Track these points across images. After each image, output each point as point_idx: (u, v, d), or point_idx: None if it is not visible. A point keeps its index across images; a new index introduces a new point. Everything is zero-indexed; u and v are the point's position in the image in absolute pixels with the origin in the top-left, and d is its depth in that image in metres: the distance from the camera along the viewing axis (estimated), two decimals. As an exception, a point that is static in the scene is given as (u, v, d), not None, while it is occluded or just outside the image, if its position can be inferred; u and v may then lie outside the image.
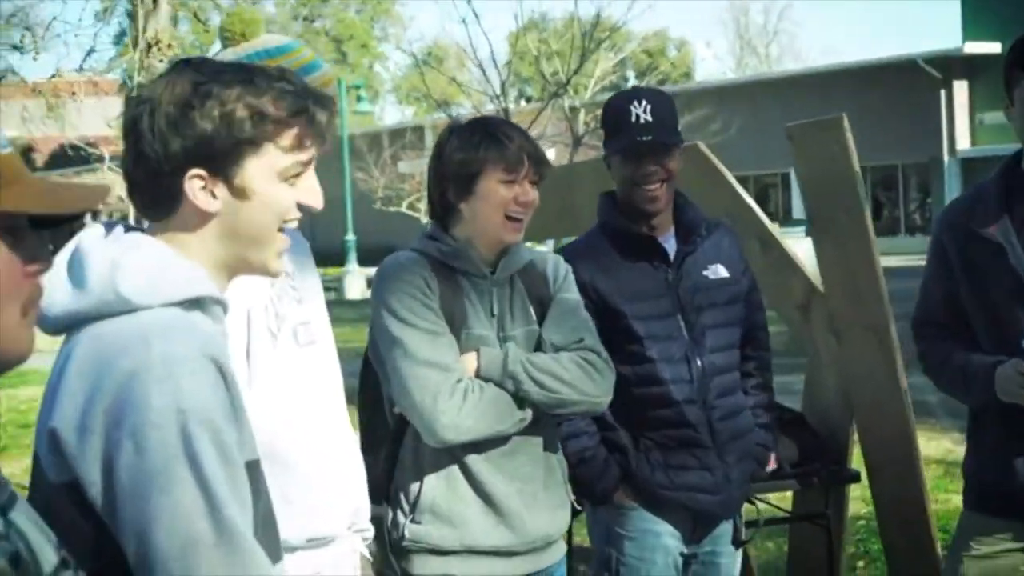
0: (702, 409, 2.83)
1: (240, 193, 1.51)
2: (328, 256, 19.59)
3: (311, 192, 1.57)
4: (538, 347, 2.52)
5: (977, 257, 2.72)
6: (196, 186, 1.48)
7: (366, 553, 2.42)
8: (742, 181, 4.28)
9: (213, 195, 1.50)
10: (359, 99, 28.86)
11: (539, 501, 2.47)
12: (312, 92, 1.58)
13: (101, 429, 1.37)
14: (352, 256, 25.29)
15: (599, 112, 18.86)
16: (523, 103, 25.31)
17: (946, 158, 28.03)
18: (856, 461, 4.20)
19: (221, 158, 1.49)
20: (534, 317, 2.53)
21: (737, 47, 52.08)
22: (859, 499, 4.88)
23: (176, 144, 1.47)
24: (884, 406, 3.73)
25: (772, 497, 4.48)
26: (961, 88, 27.71)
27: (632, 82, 36.03)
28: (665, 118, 2.85)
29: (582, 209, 4.14)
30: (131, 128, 1.52)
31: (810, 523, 4.30)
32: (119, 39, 24.71)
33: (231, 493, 1.39)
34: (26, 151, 7.12)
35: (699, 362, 2.84)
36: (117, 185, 2.06)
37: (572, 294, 2.60)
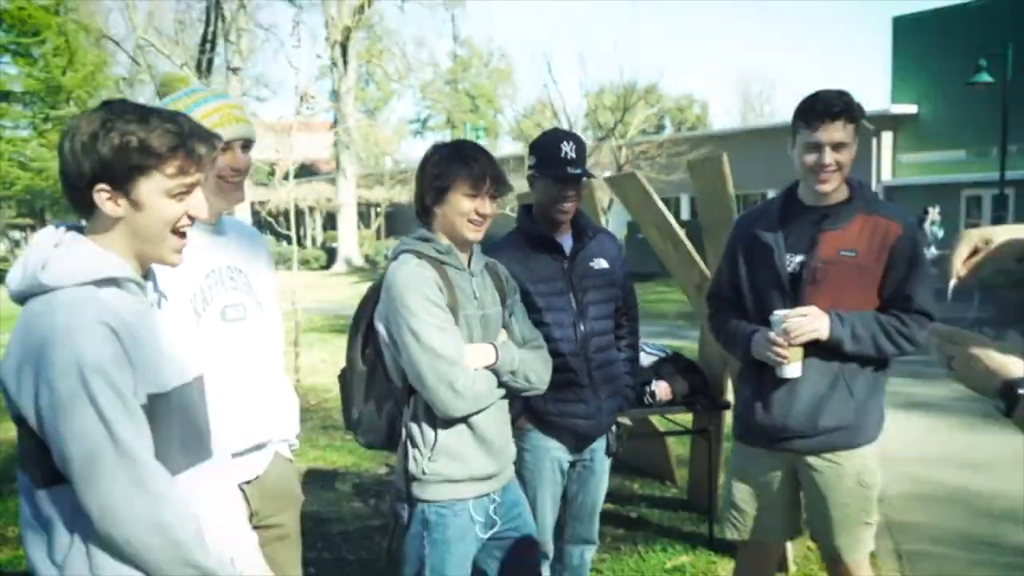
0: (583, 360, 3.17)
1: (136, 205, 1.69)
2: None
3: (197, 206, 1.74)
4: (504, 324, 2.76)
5: (755, 253, 2.96)
6: (103, 197, 1.67)
7: (287, 453, 2.71)
8: (737, 197, 4.53)
9: (116, 204, 1.69)
10: (478, 137, 34.72)
11: (506, 436, 2.74)
12: (196, 131, 1.73)
13: (29, 378, 1.59)
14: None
15: (637, 148, 27.09)
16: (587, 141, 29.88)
17: (875, 185, 31.31)
18: (730, 394, 4.69)
19: (119, 178, 1.66)
20: (499, 300, 2.77)
21: (742, 105, 59.98)
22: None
23: (85, 165, 1.66)
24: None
25: (679, 419, 5.60)
26: (887, 136, 31.53)
27: (668, 129, 42.34)
28: (582, 157, 3.12)
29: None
30: (59, 151, 1.70)
31: (700, 435, 5.08)
32: (333, 95, 30.59)
33: (125, 419, 1.60)
34: (272, 170, 9.97)
35: (582, 327, 3.15)
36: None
37: (519, 299, 2.89)
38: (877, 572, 4.46)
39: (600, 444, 3.34)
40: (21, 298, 1.71)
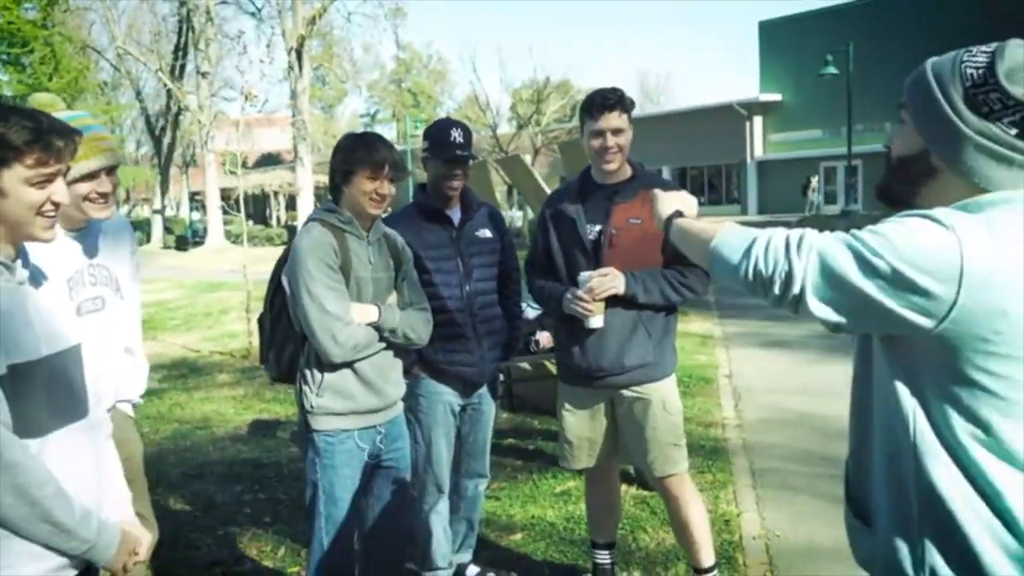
0: (468, 315, 3.13)
1: (1, 193, 1.62)
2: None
3: (59, 192, 1.69)
4: (396, 287, 2.75)
5: (562, 225, 3.03)
6: None
7: (129, 411, 2.71)
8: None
9: None
10: (417, 127, 33.06)
11: (391, 378, 2.71)
12: (54, 127, 1.66)
13: None
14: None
15: (551, 135, 27.27)
16: (507, 130, 30.59)
17: (748, 160, 33.00)
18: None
19: None
20: (392, 266, 2.75)
21: (641, 97, 60.68)
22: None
23: None
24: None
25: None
26: (758, 120, 32.79)
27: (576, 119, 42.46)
28: (469, 142, 3.11)
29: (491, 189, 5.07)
30: None
31: None
32: (292, 94, 29.92)
33: None
34: (244, 160, 9.61)
35: (467, 287, 3.12)
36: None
37: (412, 267, 2.86)
38: (706, 486, 4.46)
39: (486, 388, 3.29)
40: None
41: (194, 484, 4.88)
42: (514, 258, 3.39)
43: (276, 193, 39.80)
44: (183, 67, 34.82)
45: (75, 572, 1.72)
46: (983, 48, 1.30)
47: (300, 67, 30.55)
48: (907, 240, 1.22)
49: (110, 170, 2.45)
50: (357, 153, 2.59)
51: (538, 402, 6.11)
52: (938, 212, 1.26)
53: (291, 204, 38.64)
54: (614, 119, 2.87)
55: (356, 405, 2.63)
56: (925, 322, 1.22)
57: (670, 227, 1.71)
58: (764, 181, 32.90)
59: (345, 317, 2.54)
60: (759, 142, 32.90)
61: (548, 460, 5.01)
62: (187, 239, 35.06)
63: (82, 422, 1.76)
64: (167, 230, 38.24)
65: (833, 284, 1.27)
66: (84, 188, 2.37)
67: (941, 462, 1.28)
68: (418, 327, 2.76)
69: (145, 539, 1.90)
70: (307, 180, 32.11)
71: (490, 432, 3.38)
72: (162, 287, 18.04)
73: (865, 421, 1.44)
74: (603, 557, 3.36)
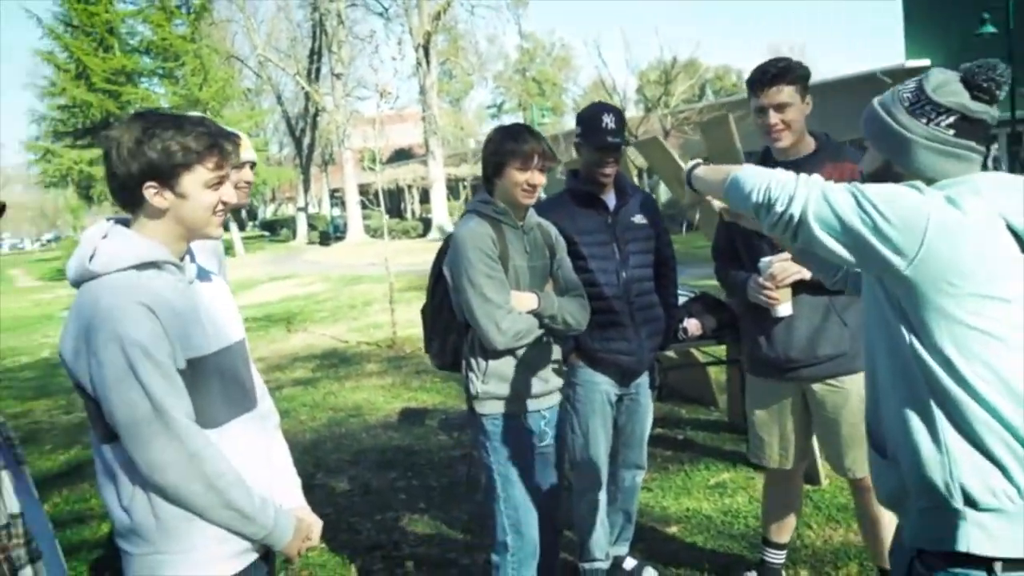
0: (625, 303, 3.08)
1: (181, 196, 1.70)
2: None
3: (228, 193, 1.77)
4: (552, 275, 2.78)
5: None
6: (151, 192, 1.68)
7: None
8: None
9: (163, 197, 1.69)
10: (544, 115, 34.34)
11: (551, 364, 2.74)
12: (222, 132, 1.75)
13: (83, 352, 1.61)
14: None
15: (681, 116, 26.63)
16: (635, 113, 29.94)
17: None
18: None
19: (165, 175, 1.68)
20: (547, 255, 2.78)
21: None
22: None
23: (134, 167, 1.66)
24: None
25: (717, 351, 5.42)
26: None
27: (709, 97, 40.82)
28: (621, 127, 3.03)
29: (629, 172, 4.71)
30: (106, 156, 1.69)
31: (732, 365, 5.02)
32: (421, 90, 31.00)
33: (163, 387, 1.60)
34: (373, 156, 9.71)
35: (624, 274, 3.06)
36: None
37: (566, 255, 2.86)
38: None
39: (644, 379, 3.23)
40: (77, 283, 1.70)
41: (351, 470, 5.05)
42: (669, 245, 3.32)
43: (410, 187, 40.84)
44: (318, 70, 36.37)
45: (256, 555, 1.80)
46: (911, 80, 1.70)
47: (428, 63, 31.35)
48: (892, 196, 1.54)
49: (252, 164, 2.64)
50: (506, 145, 2.61)
51: (686, 391, 5.96)
52: (919, 183, 1.59)
53: (425, 197, 39.50)
54: (776, 94, 2.71)
55: (521, 390, 2.65)
56: (898, 261, 1.51)
57: (691, 179, 1.99)
58: (913, 155, 30.59)
59: (506, 305, 2.57)
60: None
61: (699, 450, 4.88)
62: (329, 234, 36.57)
63: (252, 413, 1.83)
64: (311, 226, 40.07)
65: (832, 215, 1.56)
66: (234, 176, 2.49)
67: (952, 392, 1.52)
68: (576, 313, 2.76)
69: (317, 525, 1.97)
70: (439, 173, 32.82)
71: (649, 422, 3.31)
72: (309, 280, 18.93)
73: (874, 364, 1.69)
74: (776, 556, 3.21)
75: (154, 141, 1.65)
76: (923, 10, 31.41)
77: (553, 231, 2.85)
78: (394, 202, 41.73)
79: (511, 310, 2.57)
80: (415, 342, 9.03)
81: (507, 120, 41.14)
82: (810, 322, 2.79)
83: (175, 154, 1.67)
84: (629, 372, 3.15)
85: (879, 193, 1.54)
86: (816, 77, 2.71)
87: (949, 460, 1.53)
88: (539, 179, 2.62)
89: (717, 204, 2.10)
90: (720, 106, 28.12)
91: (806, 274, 2.69)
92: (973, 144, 1.63)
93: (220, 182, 1.74)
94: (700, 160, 2.05)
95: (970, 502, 1.53)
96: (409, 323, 9.81)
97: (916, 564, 1.62)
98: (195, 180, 1.70)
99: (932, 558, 1.58)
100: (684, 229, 22.01)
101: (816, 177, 1.62)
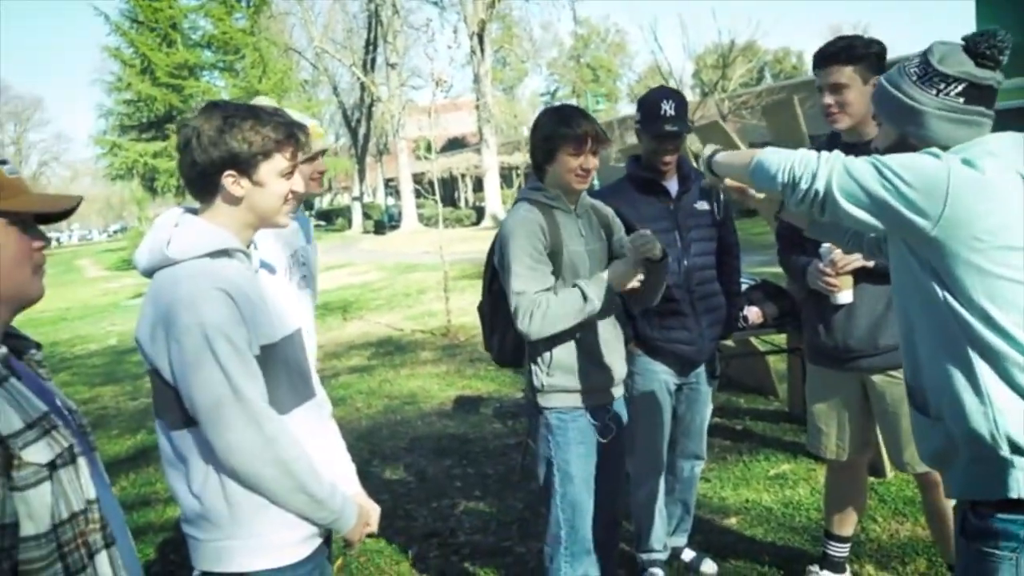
0: (686, 291, 3.05)
1: (258, 184, 1.74)
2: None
3: (298, 183, 1.81)
4: (611, 257, 2.65)
5: None
6: (230, 180, 1.72)
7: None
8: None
9: (240, 185, 1.73)
10: (599, 103, 33.84)
11: (614, 357, 2.64)
12: (294, 123, 1.78)
13: (161, 337, 1.64)
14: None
15: (739, 100, 26.05)
16: (692, 98, 29.95)
17: None
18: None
19: (245, 163, 1.71)
20: (604, 236, 2.69)
21: None
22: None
23: (215, 155, 1.70)
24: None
25: (777, 339, 5.38)
26: None
27: (768, 80, 40.38)
28: (682, 113, 2.98)
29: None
30: (185, 145, 1.72)
31: (793, 353, 5.00)
32: (475, 78, 31.18)
33: (242, 371, 1.62)
34: (428, 145, 9.73)
35: (686, 262, 3.03)
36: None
37: (624, 235, 2.72)
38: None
39: (704, 368, 3.17)
40: (150, 272, 1.72)
41: (407, 457, 5.10)
42: (733, 232, 3.26)
43: (463, 176, 41.00)
44: (374, 60, 36.65)
45: (320, 540, 1.81)
46: (914, 55, 1.76)
47: (482, 51, 31.35)
48: (912, 162, 1.62)
49: (323, 152, 2.62)
50: (558, 129, 2.52)
51: (745, 380, 5.87)
52: (935, 149, 1.66)
53: (478, 186, 39.61)
54: (834, 73, 2.62)
55: (586, 383, 2.59)
56: (924, 223, 1.59)
57: (712, 164, 2.07)
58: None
59: (542, 295, 2.46)
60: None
61: (758, 441, 4.80)
62: (384, 223, 36.98)
63: (312, 401, 1.84)
64: (366, 215, 40.52)
65: (856, 186, 1.64)
66: (307, 169, 2.49)
67: (992, 343, 1.58)
68: None
69: (375, 511, 1.98)
70: (492, 161, 32.85)
71: (708, 412, 3.26)
72: (364, 269, 19.14)
73: (910, 325, 1.75)
74: (840, 549, 3.11)
75: (235, 131, 1.69)
76: (995, -16, 30.42)
77: (608, 211, 2.78)
78: (448, 191, 41.94)
79: (544, 302, 2.44)
80: (469, 330, 9.06)
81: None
82: (871, 311, 2.72)
83: (255, 143, 1.70)
84: (689, 361, 3.11)
85: (899, 161, 1.63)
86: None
87: (993, 410, 1.59)
88: (593, 163, 2.53)
89: (756, 195, 2.14)
90: (780, 89, 27.44)
91: (868, 262, 2.64)
92: (983, 109, 1.70)
93: (292, 171, 1.78)
94: (718, 147, 2.13)
95: (1017, 450, 1.58)
96: (463, 311, 9.89)
97: (969, 516, 1.67)
98: (272, 169, 1.74)
99: (984, 507, 1.64)
100: (740, 214, 21.59)
101: (836, 153, 1.71)
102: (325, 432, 1.93)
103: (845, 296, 2.74)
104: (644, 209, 3.02)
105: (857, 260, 2.67)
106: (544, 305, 2.45)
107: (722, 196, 2.39)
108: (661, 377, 3.09)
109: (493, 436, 5.36)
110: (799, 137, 4.08)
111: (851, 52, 2.61)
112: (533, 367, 2.61)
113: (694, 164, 3.05)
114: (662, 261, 2.53)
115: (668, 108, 2.97)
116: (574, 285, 2.49)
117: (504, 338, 2.72)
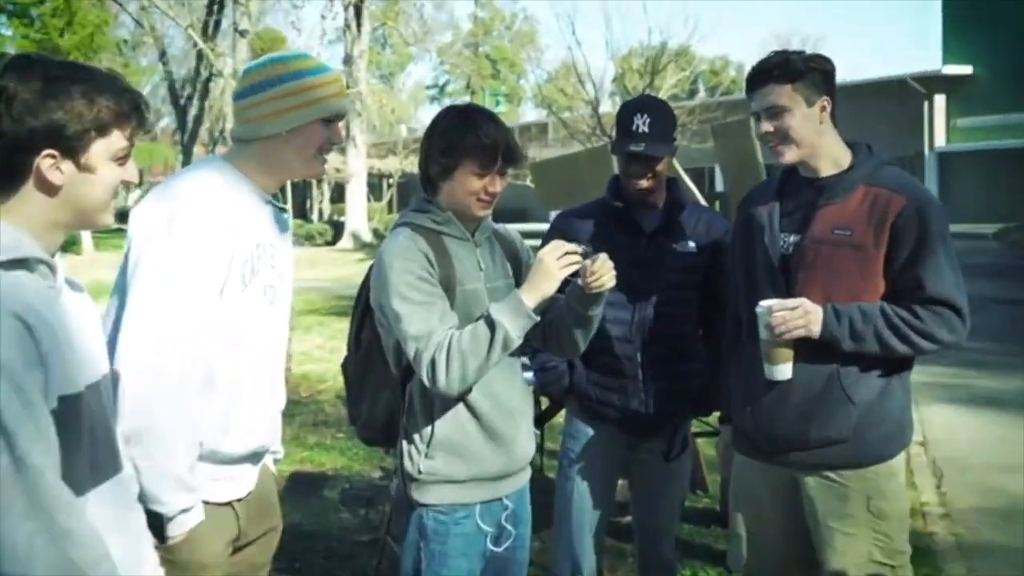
0: (634, 348, 3.14)
1: (85, 170, 1.69)
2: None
3: (132, 172, 1.80)
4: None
5: (749, 234, 2.89)
6: (48, 163, 1.65)
7: (274, 469, 2.67)
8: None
9: (60, 171, 1.67)
10: (498, 103, 34.88)
11: (521, 428, 2.61)
12: (141, 96, 1.79)
13: None
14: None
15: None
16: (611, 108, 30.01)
17: (927, 152, 32.49)
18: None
19: (72, 141, 1.66)
20: (510, 271, 2.68)
21: None
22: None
23: (30, 129, 1.62)
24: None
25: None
26: (940, 99, 32.17)
27: (702, 94, 42.57)
28: (660, 129, 3.07)
29: (585, 187, 4.65)
30: None
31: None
32: (346, 59, 31.50)
33: (31, 432, 1.51)
34: None
35: (640, 311, 3.13)
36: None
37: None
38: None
39: (657, 444, 3.24)
40: None
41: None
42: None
43: (320, 181, 40.53)
44: (217, 24, 35.97)
45: None
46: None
47: (358, 26, 31.40)
48: None
49: None
50: (463, 138, 2.46)
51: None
52: None
53: (338, 195, 39.26)
54: (769, 95, 2.70)
55: (480, 468, 2.50)
56: None
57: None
58: (947, 179, 31.93)
59: (438, 332, 2.39)
60: (941, 128, 32.29)
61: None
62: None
63: (117, 477, 1.76)
64: (188, 222, 39.35)
65: None
66: (322, 134, 2.43)
67: None
68: None
69: None
70: (360, 166, 32.73)
71: (678, 505, 3.38)
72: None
73: None
74: None
75: (63, 97, 1.63)
76: (967, 7, 32.78)
77: (515, 237, 2.77)
78: (298, 198, 41.36)
79: (455, 342, 2.35)
80: (314, 383, 8.91)
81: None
82: (806, 392, 2.70)
83: (89, 116, 1.66)
84: (628, 431, 3.20)
85: None
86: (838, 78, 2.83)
87: None
88: (500, 185, 2.50)
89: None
90: (717, 106, 28.85)
91: (814, 330, 2.64)
92: None
93: (127, 156, 1.74)
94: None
95: None
96: (308, 357, 9.77)
97: None
98: (106, 150, 1.69)
99: None
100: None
101: None
102: (130, 523, 1.83)
103: (782, 371, 2.70)
104: (606, 242, 2.90)
105: (802, 328, 2.63)
106: (457, 344, 2.35)
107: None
108: (598, 447, 3.18)
109: (339, 530, 5.17)
110: (754, 166, 4.25)
111: (788, 68, 2.69)
112: (407, 446, 2.52)
113: (694, 191, 3.33)
114: (598, 296, 2.51)
115: (640, 123, 3.03)
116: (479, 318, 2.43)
117: (375, 406, 2.66)
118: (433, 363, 2.34)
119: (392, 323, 2.42)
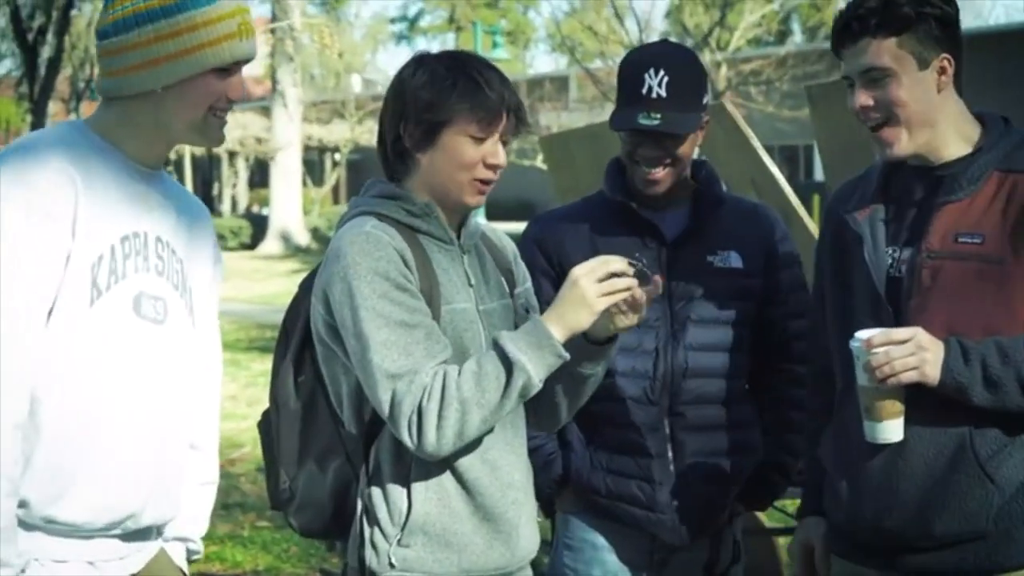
0: (660, 412, 3.17)
1: None
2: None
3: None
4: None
5: (840, 246, 2.97)
6: None
7: (182, 561, 2.75)
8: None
9: None
10: (495, 45, 33.32)
11: (525, 512, 2.68)
12: None
13: None
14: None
15: (742, 67, 27.18)
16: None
17: None
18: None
19: None
20: (507, 289, 2.78)
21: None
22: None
23: None
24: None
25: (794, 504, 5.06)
26: None
27: (797, 38, 42.41)
28: (682, 93, 3.10)
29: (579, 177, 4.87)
30: None
31: None
32: None
33: None
34: None
35: (669, 357, 3.16)
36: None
37: (531, 292, 2.90)
38: None
39: (694, 557, 3.25)
40: None
41: None
42: (802, 315, 3.27)
43: (233, 155, 40.63)
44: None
45: None
46: None
47: (290, -70, 31.59)
48: None
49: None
50: (452, 91, 2.50)
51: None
52: None
53: (260, 176, 39.35)
54: (866, 53, 2.71)
55: (472, 562, 2.54)
56: None
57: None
58: None
59: (424, 369, 2.40)
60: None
61: None
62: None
63: None
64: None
65: None
66: (216, 87, 2.52)
67: None
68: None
69: None
70: (291, 134, 32.81)
71: None
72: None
73: None
74: None
75: None
76: None
77: (507, 245, 2.86)
78: (200, 180, 41.48)
79: (450, 383, 2.38)
80: (224, 449, 8.80)
81: (427, 46, 41.52)
82: (927, 467, 2.70)
83: None
84: (651, 536, 3.19)
85: None
86: (993, 17, 2.89)
87: None
88: (502, 157, 2.57)
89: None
90: (818, 56, 28.76)
91: (929, 373, 2.61)
92: None
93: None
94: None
95: None
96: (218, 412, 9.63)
97: None
98: None
99: None
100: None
101: None
102: None
103: (888, 431, 2.68)
104: (610, 253, 2.97)
105: (913, 370, 2.60)
106: (454, 388, 2.37)
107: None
108: (602, 557, 3.21)
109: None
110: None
111: (891, 14, 2.68)
112: (369, 532, 2.53)
113: (781, 183, 3.40)
114: (610, 344, 2.57)
115: (653, 83, 3.05)
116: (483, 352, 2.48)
117: (316, 481, 2.63)
118: (420, 413, 2.35)
119: (356, 354, 2.44)
